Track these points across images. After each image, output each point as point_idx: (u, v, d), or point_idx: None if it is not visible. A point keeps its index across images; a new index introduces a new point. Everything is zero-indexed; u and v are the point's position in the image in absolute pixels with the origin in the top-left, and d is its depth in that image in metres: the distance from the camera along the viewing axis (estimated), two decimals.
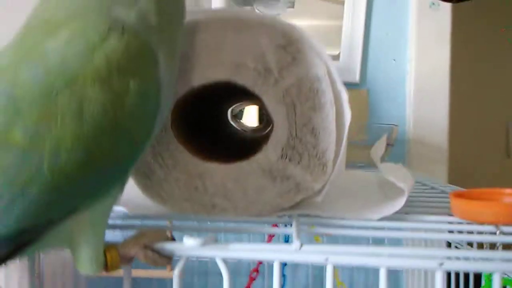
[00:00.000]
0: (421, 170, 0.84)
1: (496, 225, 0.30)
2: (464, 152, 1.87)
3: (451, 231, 0.34)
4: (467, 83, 1.87)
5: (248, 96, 0.32)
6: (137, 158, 0.23)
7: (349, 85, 0.85)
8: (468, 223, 0.31)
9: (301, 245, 0.24)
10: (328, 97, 0.30)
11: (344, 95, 0.30)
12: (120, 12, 0.22)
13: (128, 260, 0.24)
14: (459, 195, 0.33)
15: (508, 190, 0.34)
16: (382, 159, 0.75)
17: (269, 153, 0.31)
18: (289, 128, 0.31)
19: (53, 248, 0.23)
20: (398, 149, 0.85)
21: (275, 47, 0.30)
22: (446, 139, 0.86)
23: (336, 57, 0.86)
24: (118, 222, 0.29)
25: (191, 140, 0.33)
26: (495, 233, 0.30)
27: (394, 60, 0.88)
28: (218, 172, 0.31)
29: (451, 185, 0.52)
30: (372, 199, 0.33)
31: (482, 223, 0.30)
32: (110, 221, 0.25)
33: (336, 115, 0.30)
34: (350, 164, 0.71)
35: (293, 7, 0.87)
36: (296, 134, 0.31)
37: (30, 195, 0.20)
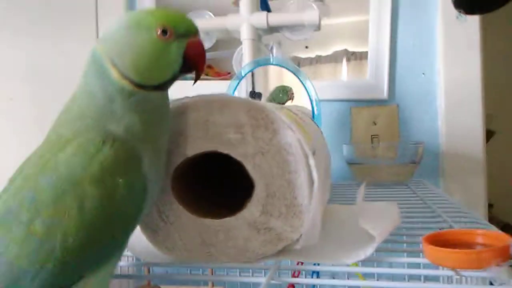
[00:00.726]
0: (457, 183, 0.85)
1: (456, 270, 0.33)
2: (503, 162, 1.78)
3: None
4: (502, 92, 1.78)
5: (232, 160, 0.37)
6: (129, 234, 0.30)
7: (377, 102, 0.89)
8: (435, 268, 0.34)
9: None
10: (299, 160, 0.35)
11: (312, 161, 0.35)
12: (112, 127, 0.30)
13: None
14: (430, 238, 0.36)
15: (480, 231, 0.37)
16: (409, 177, 0.77)
17: (252, 210, 0.36)
18: (267, 188, 0.36)
19: None
20: (431, 163, 0.86)
21: (251, 121, 0.36)
22: (481, 150, 0.85)
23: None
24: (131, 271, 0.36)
25: (192, 198, 0.39)
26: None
27: (423, 73, 0.88)
28: (212, 226, 0.37)
29: (466, 217, 0.52)
30: (348, 242, 0.38)
31: (447, 268, 0.33)
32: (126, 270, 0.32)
33: (307, 175, 0.35)
34: (377, 183, 0.74)
35: (319, 29, 0.91)
36: (274, 192, 0.36)
37: (47, 270, 0.27)
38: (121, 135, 0.30)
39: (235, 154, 0.36)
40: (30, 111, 1.06)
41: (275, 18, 0.88)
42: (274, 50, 1.05)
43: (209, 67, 1.18)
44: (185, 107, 0.37)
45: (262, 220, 0.36)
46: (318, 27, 0.90)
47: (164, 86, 0.32)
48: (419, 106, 0.88)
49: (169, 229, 0.38)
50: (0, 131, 1.07)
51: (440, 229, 0.45)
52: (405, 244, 0.41)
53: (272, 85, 0.90)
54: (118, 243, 0.30)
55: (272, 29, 0.92)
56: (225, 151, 0.36)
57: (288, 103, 0.91)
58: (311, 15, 0.86)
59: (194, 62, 0.33)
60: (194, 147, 0.37)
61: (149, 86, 0.31)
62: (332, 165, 0.86)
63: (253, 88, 0.92)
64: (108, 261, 0.30)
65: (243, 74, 0.86)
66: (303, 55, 1.07)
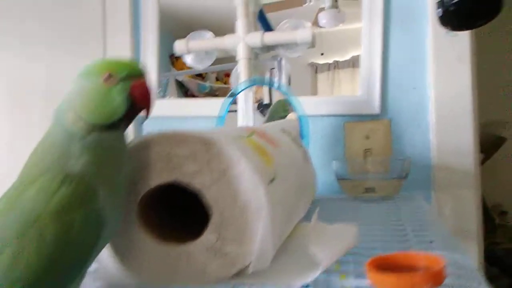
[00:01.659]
0: (448, 196, 0.86)
1: None
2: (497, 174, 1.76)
3: None
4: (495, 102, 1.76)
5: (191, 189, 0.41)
6: (87, 264, 0.34)
7: (370, 117, 0.91)
8: None
9: None
10: (251, 189, 0.38)
11: (263, 191, 0.38)
12: (70, 167, 0.34)
13: None
14: (375, 261, 0.38)
15: (422, 255, 0.39)
16: (396, 192, 0.78)
17: (209, 236, 0.40)
18: (222, 215, 0.39)
19: None
20: (423, 176, 0.87)
21: (206, 154, 0.39)
22: (473, 163, 0.86)
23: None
24: None
25: (157, 225, 0.43)
26: None
27: (415, 88, 0.90)
28: (174, 251, 0.41)
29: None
30: (298, 265, 0.40)
31: None
32: None
33: (259, 204, 0.38)
34: (366, 198, 0.76)
35: (313, 46, 0.93)
36: (228, 219, 0.39)
37: None
38: (78, 174, 0.34)
39: (194, 184, 0.39)
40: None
41: (269, 38, 0.91)
42: (283, 62, 1.09)
43: (227, 75, 1.21)
44: (149, 141, 0.41)
45: (218, 245, 0.40)
46: (312, 45, 0.93)
47: (116, 126, 0.36)
48: (411, 120, 0.90)
49: (135, 254, 0.41)
50: (18, 155, 1.14)
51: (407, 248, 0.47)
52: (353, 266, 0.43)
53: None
54: (77, 272, 0.34)
55: (268, 48, 0.96)
56: (185, 182, 0.40)
57: (290, 115, 0.94)
58: (303, 33, 0.89)
59: (140, 102, 0.37)
60: (157, 178, 0.40)
61: (102, 127, 0.35)
62: (324, 178, 0.88)
63: (270, 99, 0.95)
64: (68, 287, 0.34)
65: (237, 92, 0.89)
66: (320, 61, 1.09)
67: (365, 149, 0.91)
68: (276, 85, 0.86)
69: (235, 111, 0.90)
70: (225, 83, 1.20)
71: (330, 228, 0.46)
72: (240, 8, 0.90)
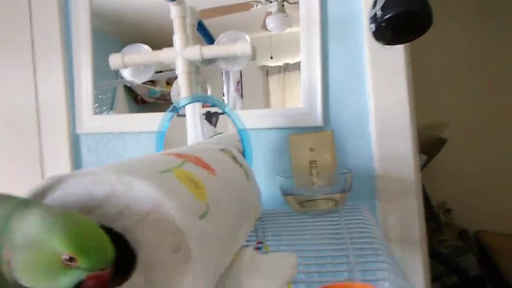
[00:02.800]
0: (392, 205, 0.87)
1: None
2: (458, 168, 1.86)
3: None
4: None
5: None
6: None
7: (313, 128, 0.91)
8: None
9: None
10: (179, 230, 0.36)
11: (189, 230, 0.36)
12: None
13: None
14: None
15: (357, 285, 0.38)
16: (341, 204, 0.79)
17: (137, 279, 0.37)
18: (148, 259, 0.37)
19: None
20: (367, 186, 0.89)
21: (125, 197, 0.36)
22: (413, 171, 0.88)
23: None
24: None
25: None
26: None
27: (355, 100, 0.91)
28: None
29: None
30: None
31: None
32: None
33: (188, 246, 0.36)
34: (312, 211, 0.76)
35: (254, 59, 0.92)
36: (155, 263, 0.37)
37: None
38: None
39: (115, 226, 0.37)
40: None
41: (208, 51, 0.89)
42: (231, 73, 1.07)
43: None
44: (62, 182, 0.37)
45: None
46: (252, 57, 0.92)
47: None
48: (353, 131, 0.91)
49: None
50: None
51: (335, 273, 0.46)
52: None
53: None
54: None
55: (208, 61, 0.94)
56: (107, 225, 0.37)
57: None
58: (243, 46, 0.88)
59: None
60: None
61: None
62: (270, 192, 0.87)
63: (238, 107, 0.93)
64: None
65: (178, 107, 0.86)
66: (271, 64, 1.08)
67: (310, 161, 0.91)
68: (215, 102, 0.85)
69: (184, 115, 0.88)
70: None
71: (266, 258, 0.44)
72: (177, 21, 0.88)
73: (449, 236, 1.68)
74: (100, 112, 1.05)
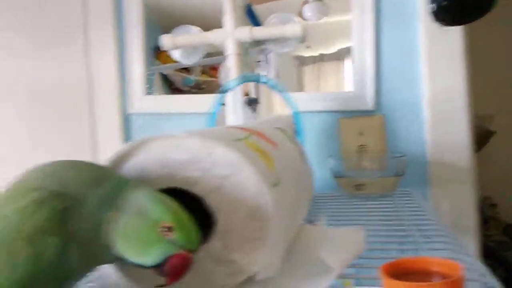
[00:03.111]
0: (444, 192, 0.85)
1: None
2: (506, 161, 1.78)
3: None
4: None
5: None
6: None
7: (364, 112, 0.89)
8: None
9: None
10: (256, 195, 0.36)
11: (269, 196, 0.36)
12: (52, 184, 0.31)
13: None
14: (388, 267, 0.36)
15: (435, 260, 0.37)
16: (393, 189, 0.77)
17: (214, 243, 0.37)
18: (226, 223, 0.37)
19: None
20: (419, 172, 0.86)
21: (207, 158, 0.37)
22: (468, 157, 0.85)
23: None
24: None
25: None
26: None
27: (409, 84, 0.89)
28: None
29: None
30: (308, 272, 0.38)
31: None
32: None
33: (265, 210, 0.36)
34: (363, 195, 0.75)
35: (304, 41, 0.91)
36: (233, 227, 0.37)
37: None
38: (57, 194, 0.31)
39: (195, 190, 0.37)
40: (27, 129, 1.08)
41: (259, 33, 0.88)
42: (271, 55, 1.06)
43: (213, 68, 1.18)
44: (145, 145, 0.38)
45: (224, 253, 0.37)
46: (302, 39, 0.91)
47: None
48: (406, 116, 0.89)
49: None
50: None
51: (402, 251, 0.45)
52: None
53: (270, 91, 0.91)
54: None
55: (257, 43, 0.93)
56: (185, 187, 0.37)
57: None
58: (294, 28, 0.87)
59: (169, 272, 0.32)
60: (156, 183, 0.38)
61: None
62: (320, 175, 0.86)
63: (257, 93, 0.93)
64: None
65: (228, 88, 0.87)
66: (306, 54, 1.07)
67: (360, 145, 0.90)
68: (270, 82, 0.84)
69: (223, 104, 0.88)
70: (210, 76, 1.17)
71: (337, 232, 0.44)
72: (227, 2, 0.88)
73: (494, 231, 1.63)
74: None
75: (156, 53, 1.13)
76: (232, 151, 0.37)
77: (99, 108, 1.04)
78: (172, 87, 1.19)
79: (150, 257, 0.32)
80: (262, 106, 0.95)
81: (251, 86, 0.96)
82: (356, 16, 0.91)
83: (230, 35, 0.89)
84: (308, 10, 1.04)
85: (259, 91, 0.95)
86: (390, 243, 0.49)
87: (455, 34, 0.84)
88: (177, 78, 1.19)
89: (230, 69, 0.91)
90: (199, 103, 0.98)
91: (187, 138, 0.37)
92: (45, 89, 1.07)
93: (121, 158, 0.38)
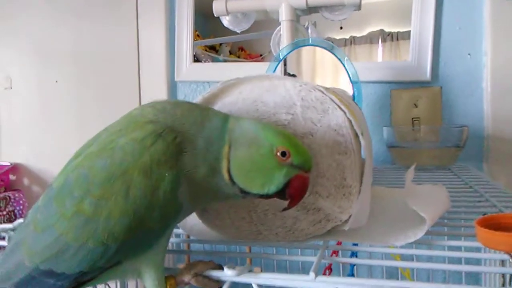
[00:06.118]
0: (502, 167, 0.82)
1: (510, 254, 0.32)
2: None
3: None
4: None
5: None
6: (169, 227, 0.31)
7: (419, 84, 0.86)
8: (488, 251, 0.34)
9: (316, 276, 0.30)
10: (349, 141, 0.35)
11: (363, 141, 0.35)
12: (165, 119, 0.31)
13: (184, 285, 0.32)
14: (483, 221, 0.35)
15: None
16: (452, 161, 0.75)
17: None
18: (316, 168, 0.36)
19: (125, 278, 0.32)
20: (475, 147, 0.84)
21: (301, 102, 0.35)
22: None
23: None
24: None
25: None
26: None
27: (469, 54, 0.85)
28: (261, 206, 0.38)
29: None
30: (398, 224, 0.37)
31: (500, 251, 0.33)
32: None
33: (357, 156, 0.35)
34: (419, 167, 0.73)
35: (359, 9, 0.89)
36: (323, 173, 0.36)
37: (87, 248, 0.28)
38: (171, 128, 0.31)
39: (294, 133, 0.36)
40: (74, 92, 1.10)
41: None
42: (310, 31, 1.04)
43: (241, 49, 1.18)
44: (235, 87, 0.37)
45: (310, 200, 0.36)
46: (358, 7, 0.88)
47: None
48: (464, 88, 0.85)
49: (219, 207, 0.38)
50: (47, 112, 1.11)
51: (484, 213, 0.43)
52: (463, 228, 0.40)
53: (305, 67, 0.89)
54: (157, 234, 0.30)
55: (311, 10, 0.91)
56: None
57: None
58: None
59: (293, 194, 0.32)
60: None
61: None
62: (374, 147, 0.85)
63: (285, 70, 0.91)
64: (145, 250, 0.30)
65: (282, 56, 0.85)
66: (337, 36, 1.05)
67: (413, 118, 0.87)
68: (331, 47, 0.81)
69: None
70: (238, 56, 1.16)
71: (424, 188, 0.42)
72: None
73: None
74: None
75: None
76: (327, 92, 0.35)
77: (147, 75, 1.04)
78: None
79: (273, 185, 0.31)
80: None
81: (288, 62, 0.94)
82: None
83: (285, 0, 0.87)
84: None
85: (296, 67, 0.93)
86: (470, 205, 0.47)
87: None
88: (206, 58, 1.18)
89: (283, 36, 0.89)
90: (247, 71, 0.97)
91: (281, 79, 0.36)
92: (95, 53, 1.07)
93: (215, 96, 0.38)
